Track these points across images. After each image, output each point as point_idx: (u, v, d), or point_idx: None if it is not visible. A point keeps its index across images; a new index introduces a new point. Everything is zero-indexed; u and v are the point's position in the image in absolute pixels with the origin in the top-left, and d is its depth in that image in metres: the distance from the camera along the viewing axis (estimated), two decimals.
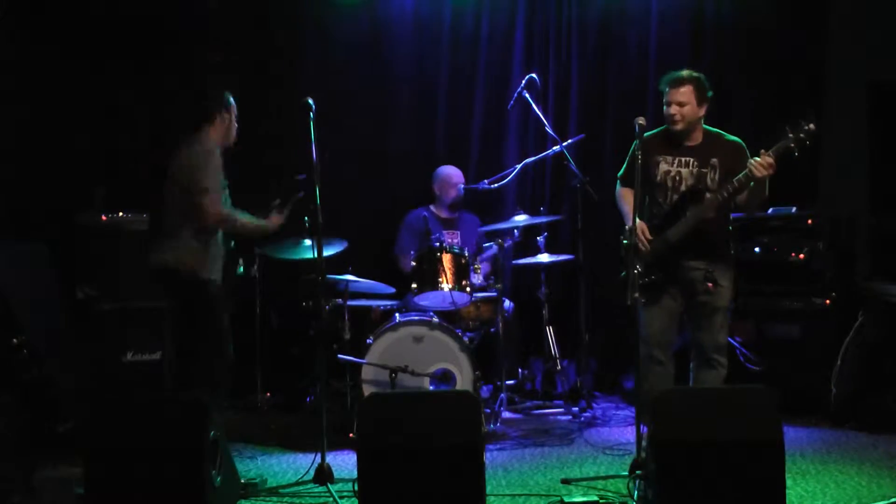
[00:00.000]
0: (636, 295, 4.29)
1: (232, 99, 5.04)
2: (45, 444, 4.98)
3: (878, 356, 5.55)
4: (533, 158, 6.40)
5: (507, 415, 5.91)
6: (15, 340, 4.88)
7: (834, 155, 6.71)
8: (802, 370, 5.78)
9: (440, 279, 5.53)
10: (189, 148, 4.83)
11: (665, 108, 4.91)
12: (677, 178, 4.90)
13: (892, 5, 6.55)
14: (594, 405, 6.11)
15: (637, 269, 4.31)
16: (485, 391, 6.07)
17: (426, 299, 5.62)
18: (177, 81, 6.51)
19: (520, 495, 4.38)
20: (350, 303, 5.69)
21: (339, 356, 5.45)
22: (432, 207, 6.52)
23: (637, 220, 4.67)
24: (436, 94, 6.90)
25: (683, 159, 4.90)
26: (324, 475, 4.37)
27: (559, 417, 5.97)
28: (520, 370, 6.36)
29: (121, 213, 5.85)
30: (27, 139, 6.17)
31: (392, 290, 5.91)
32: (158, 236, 4.92)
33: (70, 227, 5.82)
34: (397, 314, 5.67)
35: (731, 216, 5.10)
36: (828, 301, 5.86)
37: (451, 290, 5.52)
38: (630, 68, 6.85)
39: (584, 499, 4.22)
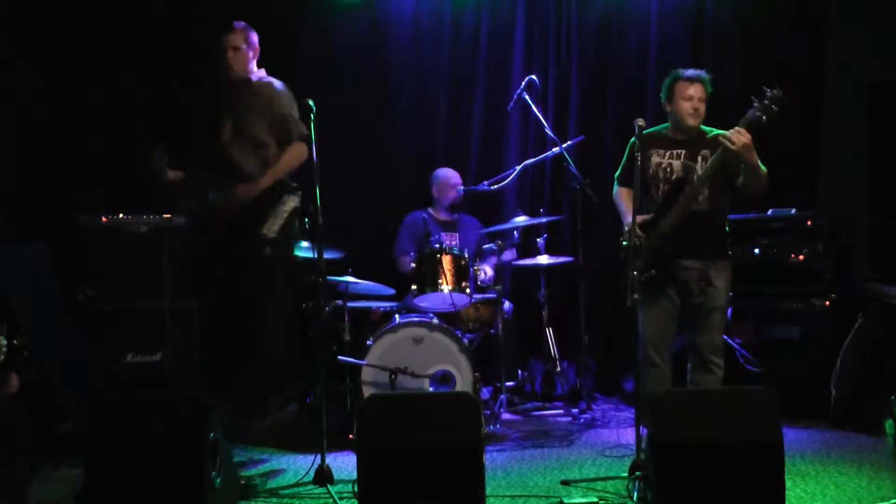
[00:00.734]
0: (636, 296, 4.30)
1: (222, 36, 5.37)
2: (45, 445, 4.98)
3: (878, 357, 5.55)
4: (533, 160, 6.40)
5: (506, 416, 5.91)
6: (15, 341, 4.87)
7: (833, 156, 6.71)
8: (802, 371, 5.79)
9: (440, 281, 5.53)
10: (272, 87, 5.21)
11: (681, 102, 4.96)
12: (668, 169, 4.97)
13: (891, 6, 6.55)
14: (594, 407, 6.11)
15: (635, 273, 4.32)
16: (484, 392, 6.08)
17: (426, 301, 5.63)
18: (177, 82, 6.52)
19: (519, 496, 4.38)
20: (350, 304, 5.69)
21: (339, 357, 5.44)
22: (431, 210, 6.52)
23: (630, 216, 4.71)
24: (435, 95, 6.90)
25: (675, 151, 4.98)
26: (324, 476, 4.38)
27: (559, 419, 5.97)
28: (519, 372, 6.36)
29: (121, 214, 5.85)
30: (27, 140, 6.17)
31: (392, 291, 5.91)
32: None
33: (70, 228, 5.82)
34: (397, 316, 5.67)
35: (730, 217, 5.12)
36: (827, 302, 5.86)
37: (450, 291, 5.52)
38: (630, 69, 6.85)
39: (584, 500, 4.22)
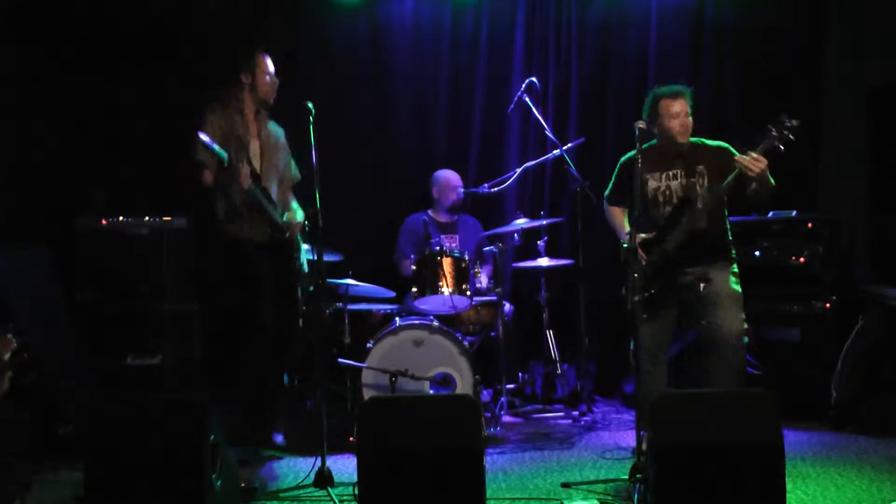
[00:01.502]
0: (636, 298, 4.30)
1: (258, 54, 5.25)
2: (45, 448, 4.98)
3: (878, 359, 5.55)
4: (533, 162, 6.41)
5: (507, 418, 5.90)
6: (15, 344, 4.87)
7: (834, 158, 6.71)
8: (802, 373, 5.79)
9: (440, 283, 5.53)
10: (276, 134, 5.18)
11: (668, 121, 4.90)
12: (667, 192, 4.95)
13: (891, 6, 6.55)
14: (594, 409, 6.10)
15: (635, 276, 4.33)
16: (485, 395, 6.08)
17: (426, 303, 5.63)
18: (177, 84, 6.52)
19: (520, 499, 4.37)
20: (350, 307, 5.69)
21: (339, 360, 5.45)
22: (430, 211, 6.52)
23: (631, 229, 4.72)
24: (436, 97, 6.90)
25: (671, 172, 4.95)
26: (324, 479, 4.38)
27: (559, 421, 5.96)
28: (520, 374, 6.36)
29: (121, 217, 5.86)
30: (27, 142, 6.18)
31: (392, 293, 5.92)
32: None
33: (70, 231, 5.83)
34: (397, 318, 5.67)
35: (732, 219, 5.11)
36: (828, 305, 5.86)
37: (451, 293, 5.52)
38: (630, 71, 6.85)
39: (585, 502, 4.22)
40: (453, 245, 6.23)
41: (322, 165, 4.57)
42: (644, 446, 4.09)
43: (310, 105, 4.53)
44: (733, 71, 6.75)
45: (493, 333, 5.96)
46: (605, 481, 4.55)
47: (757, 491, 3.65)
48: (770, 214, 6.04)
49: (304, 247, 5.37)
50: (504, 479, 4.68)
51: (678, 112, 4.89)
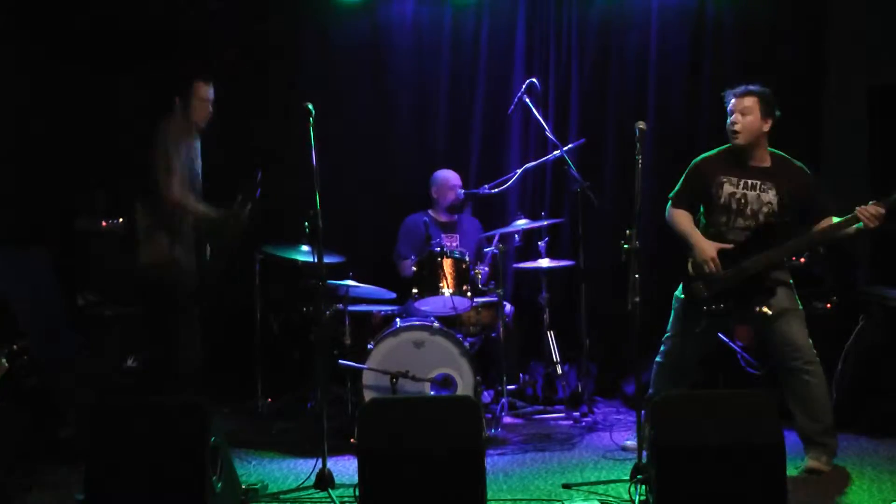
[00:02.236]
0: (636, 300, 4.29)
1: (201, 85, 5.20)
2: (45, 450, 4.98)
3: (879, 360, 5.54)
4: (534, 163, 6.40)
5: (507, 420, 5.90)
6: (16, 346, 4.88)
7: (834, 158, 6.71)
8: None
9: (441, 284, 5.53)
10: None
11: (728, 119, 4.81)
12: (742, 200, 4.78)
13: (892, 6, 6.55)
14: (595, 410, 6.09)
15: (636, 276, 4.31)
16: (486, 396, 6.07)
17: (427, 304, 5.62)
18: (178, 84, 6.53)
19: (521, 500, 4.38)
20: (350, 308, 5.69)
21: (340, 361, 5.44)
22: (431, 212, 6.52)
23: (706, 243, 4.72)
24: (436, 98, 6.90)
25: (751, 181, 4.78)
26: (325, 480, 4.38)
27: (560, 422, 5.96)
28: (521, 375, 6.35)
29: (121, 219, 5.85)
30: (27, 144, 6.18)
31: (393, 295, 5.91)
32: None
33: (70, 233, 5.83)
34: (398, 319, 5.67)
35: None
36: (828, 305, 5.85)
37: (451, 294, 5.51)
38: (631, 71, 6.85)
39: (586, 503, 4.21)
40: (454, 245, 6.22)
41: (322, 166, 4.56)
42: (645, 446, 4.08)
43: (310, 106, 4.53)
44: (733, 71, 6.74)
45: (493, 334, 5.96)
46: (606, 482, 4.55)
47: (758, 491, 3.66)
48: None
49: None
50: (505, 481, 4.68)
51: (734, 109, 4.76)
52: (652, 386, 5.03)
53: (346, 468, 4.81)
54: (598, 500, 4.32)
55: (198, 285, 5.18)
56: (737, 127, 4.75)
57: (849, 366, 5.57)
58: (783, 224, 4.72)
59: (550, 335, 6.27)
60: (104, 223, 5.83)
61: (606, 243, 6.45)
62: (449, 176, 6.46)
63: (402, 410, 3.99)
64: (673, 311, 5.00)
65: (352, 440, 5.08)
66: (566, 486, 4.52)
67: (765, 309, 4.67)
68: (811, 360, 4.68)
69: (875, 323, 5.59)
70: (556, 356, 6.24)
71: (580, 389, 6.13)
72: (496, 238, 6.00)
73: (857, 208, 4.53)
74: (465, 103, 6.90)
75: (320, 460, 4.43)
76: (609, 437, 5.52)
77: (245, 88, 6.70)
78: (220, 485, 3.92)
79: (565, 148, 6.10)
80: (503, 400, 5.83)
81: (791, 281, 4.83)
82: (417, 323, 5.51)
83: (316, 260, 4.59)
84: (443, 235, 6.28)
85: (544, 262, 6.14)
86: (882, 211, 4.47)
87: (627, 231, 4.54)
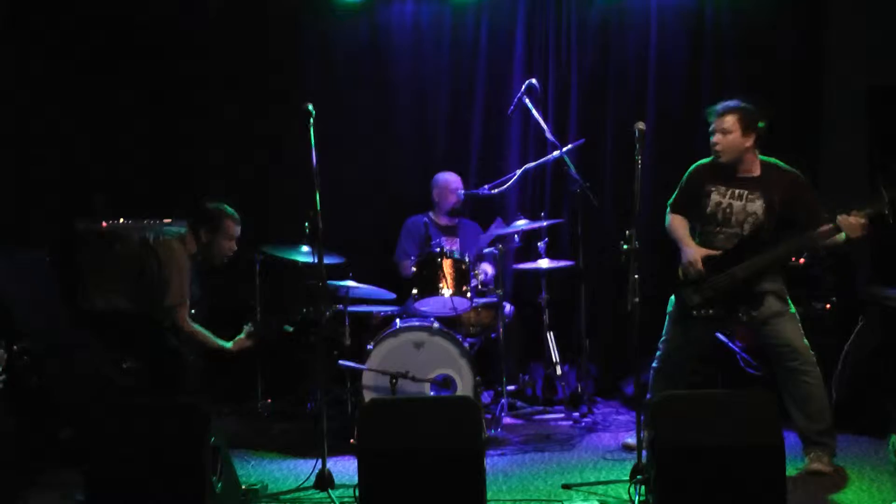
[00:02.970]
0: (636, 300, 4.30)
1: (229, 219, 5.16)
2: (45, 450, 4.98)
3: (879, 361, 5.54)
4: (533, 164, 6.40)
5: (507, 420, 5.90)
6: (15, 347, 4.88)
7: (834, 158, 6.70)
8: None
9: (441, 285, 5.53)
10: (165, 248, 5.01)
11: (710, 137, 4.84)
12: (728, 210, 4.82)
13: (891, 7, 6.55)
14: (595, 410, 6.09)
15: (635, 277, 4.31)
16: (485, 396, 6.07)
17: (427, 305, 5.62)
18: (178, 85, 6.53)
19: (521, 501, 4.38)
20: (350, 308, 5.69)
21: (340, 362, 5.44)
22: (431, 214, 6.52)
23: (693, 248, 4.76)
24: (436, 99, 6.89)
25: (738, 191, 4.81)
26: (325, 481, 4.39)
27: (560, 423, 5.96)
28: (520, 375, 6.35)
29: (121, 220, 5.85)
30: (27, 146, 6.18)
31: (392, 295, 5.91)
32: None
33: (70, 234, 5.83)
34: (398, 320, 5.67)
35: None
36: (828, 306, 5.85)
37: (451, 295, 5.51)
38: (630, 72, 6.84)
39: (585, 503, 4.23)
40: (454, 248, 6.23)
41: (322, 167, 4.57)
42: (644, 446, 4.08)
43: (310, 107, 4.53)
44: (733, 71, 6.74)
45: (493, 335, 5.96)
46: (605, 482, 4.55)
47: (758, 491, 3.66)
48: None
49: None
50: (505, 481, 4.68)
51: (716, 129, 4.79)
52: (650, 391, 5.03)
53: (345, 469, 4.81)
54: (598, 500, 4.32)
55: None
56: (718, 147, 4.80)
57: (848, 366, 5.57)
58: (769, 231, 4.74)
59: (550, 336, 6.27)
60: (104, 224, 5.82)
61: (606, 244, 6.46)
62: (450, 179, 6.46)
63: (402, 411, 4.00)
64: (667, 317, 5.02)
65: (352, 441, 5.08)
66: (566, 487, 4.52)
67: (750, 316, 4.76)
68: (808, 361, 4.71)
69: (874, 323, 5.59)
70: (555, 357, 6.24)
71: (580, 390, 6.13)
72: (495, 225, 5.99)
73: (839, 217, 4.54)
74: (464, 104, 6.89)
75: (320, 461, 4.43)
76: (609, 437, 5.52)
77: (245, 89, 6.71)
78: (220, 485, 3.93)
79: (565, 148, 6.09)
80: (503, 400, 5.83)
81: (783, 287, 4.85)
82: (417, 324, 5.51)
83: (316, 260, 4.59)
84: (443, 238, 6.28)
85: (544, 263, 6.14)
86: (862, 221, 4.48)
87: (627, 232, 4.55)
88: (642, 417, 4.35)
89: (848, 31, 6.73)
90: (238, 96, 6.70)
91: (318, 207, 4.52)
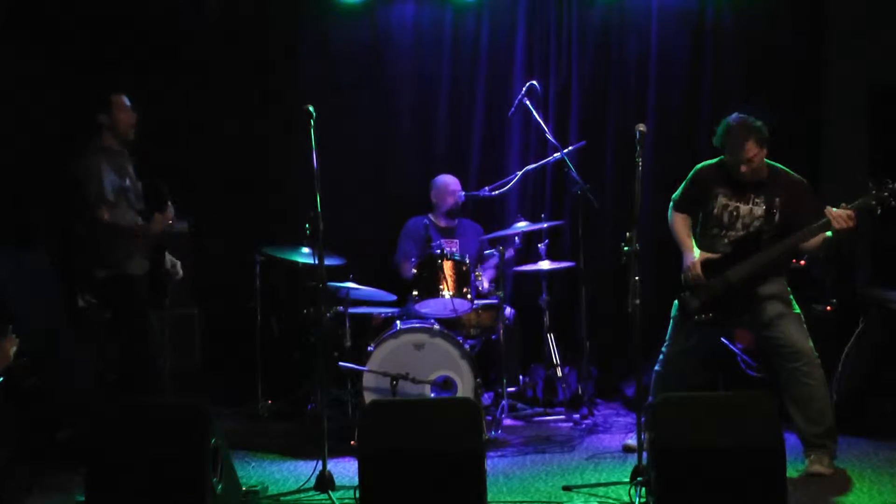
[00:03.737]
0: (637, 302, 4.29)
1: (114, 94, 5.20)
2: (45, 451, 4.98)
3: (879, 362, 5.54)
4: (534, 165, 6.40)
5: (508, 422, 5.90)
6: (15, 347, 4.87)
7: (834, 158, 6.71)
8: None
9: (441, 286, 5.52)
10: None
11: (730, 156, 4.78)
12: (735, 213, 4.82)
13: (891, 6, 6.55)
14: (595, 412, 6.09)
15: (636, 279, 4.31)
16: (486, 398, 6.07)
17: (427, 306, 5.62)
18: (177, 84, 6.53)
19: (521, 502, 4.38)
20: (351, 310, 5.69)
21: (340, 363, 5.44)
22: (431, 216, 6.51)
23: (693, 253, 4.75)
24: (436, 100, 6.89)
25: (745, 195, 4.81)
26: (325, 482, 4.38)
27: (560, 424, 5.95)
28: (521, 377, 6.34)
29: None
30: (27, 145, 6.17)
31: (393, 297, 5.91)
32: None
33: (70, 233, 5.82)
34: (398, 321, 5.67)
35: None
36: (828, 308, 5.85)
37: (452, 297, 5.51)
38: (631, 73, 6.84)
39: None
40: (453, 249, 6.22)
41: (322, 168, 4.56)
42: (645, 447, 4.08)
43: (311, 108, 4.53)
44: (733, 71, 6.75)
45: (493, 337, 5.95)
46: (606, 484, 4.55)
47: (758, 493, 3.66)
48: None
49: None
50: (505, 483, 4.68)
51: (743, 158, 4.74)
52: (651, 394, 5.03)
53: (346, 470, 4.81)
54: (599, 502, 4.32)
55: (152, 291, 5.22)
56: (745, 171, 4.73)
57: (849, 367, 5.57)
58: (769, 235, 4.74)
59: (550, 337, 6.26)
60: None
61: (607, 245, 6.46)
62: (448, 181, 6.46)
63: (403, 412, 4.00)
64: (671, 321, 5.02)
65: (352, 442, 5.08)
66: (566, 489, 4.52)
67: (751, 319, 4.76)
68: (811, 363, 4.69)
69: (875, 325, 5.59)
70: (556, 358, 6.23)
71: (580, 391, 6.13)
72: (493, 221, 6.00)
73: (827, 208, 4.55)
74: (465, 105, 6.89)
75: (321, 462, 4.43)
76: (609, 439, 5.52)
77: (245, 90, 6.70)
78: (220, 486, 3.93)
79: (565, 150, 6.09)
80: (503, 402, 5.82)
81: (786, 289, 4.85)
82: (418, 325, 5.51)
83: (316, 262, 4.59)
84: (443, 240, 6.27)
85: (545, 265, 6.13)
86: (849, 212, 4.48)
87: (627, 233, 4.55)
88: (643, 419, 4.34)
89: (848, 31, 6.74)
90: (238, 96, 6.69)
91: (319, 208, 4.51)
